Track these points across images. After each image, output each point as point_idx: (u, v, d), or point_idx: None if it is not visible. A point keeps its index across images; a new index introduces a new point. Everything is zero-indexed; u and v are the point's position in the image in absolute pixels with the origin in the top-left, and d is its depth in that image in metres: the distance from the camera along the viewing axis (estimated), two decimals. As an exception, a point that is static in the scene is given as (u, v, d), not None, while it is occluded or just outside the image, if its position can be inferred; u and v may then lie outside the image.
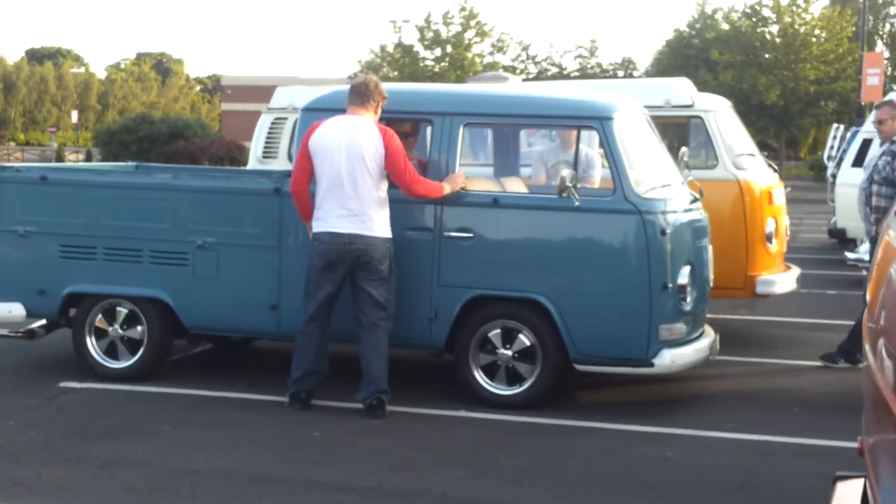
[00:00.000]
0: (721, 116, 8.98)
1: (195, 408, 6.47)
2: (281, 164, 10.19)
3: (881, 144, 8.02)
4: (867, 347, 3.04)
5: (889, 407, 2.39)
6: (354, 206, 6.21)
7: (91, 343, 7.06)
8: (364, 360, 6.33)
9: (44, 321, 7.35)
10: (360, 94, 6.37)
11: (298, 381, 6.41)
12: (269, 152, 10.71)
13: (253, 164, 10.74)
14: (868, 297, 3.24)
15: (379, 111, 6.44)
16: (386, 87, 6.61)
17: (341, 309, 6.47)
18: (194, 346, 7.98)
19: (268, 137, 10.77)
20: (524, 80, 19.09)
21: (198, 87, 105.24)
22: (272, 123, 10.81)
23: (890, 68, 45.67)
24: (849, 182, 15.09)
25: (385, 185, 6.34)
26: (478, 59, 48.45)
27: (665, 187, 6.55)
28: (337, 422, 6.18)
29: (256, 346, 8.21)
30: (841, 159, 16.79)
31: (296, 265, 6.69)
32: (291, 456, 5.54)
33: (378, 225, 6.27)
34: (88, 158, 41.22)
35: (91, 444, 5.67)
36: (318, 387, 6.48)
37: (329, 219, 6.28)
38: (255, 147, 10.83)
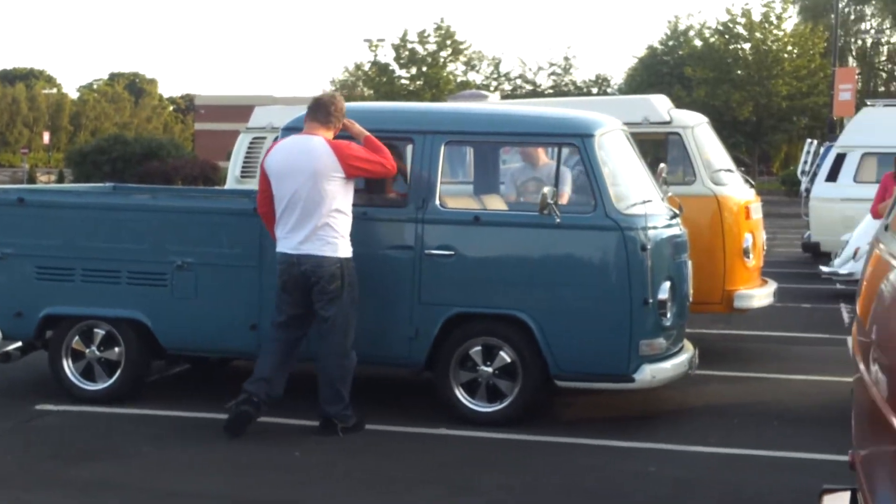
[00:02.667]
0: (698, 133, 9.04)
1: (174, 429, 6.42)
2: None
3: None
4: (859, 360, 3.06)
5: (885, 419, 2.40)
6: (306, 227, 6.14)
7: (68, 365, 6.98)
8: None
9: (20, 343, 7.26)
10: (324, 114, 6.30)
11: (251, 384, 6.27)
12: (247, 172, 10.68)
13: (231, 183, 10.71)
14: (858, 311, 3.27)
15: (337, 132, 6.36)
16: (367, 105, 6.63)
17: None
18: (172, 367, 7.92)
19: (246, 157, 10.75)
20: (502, 97, 19.15)
21: (171, 107, 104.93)
22: (250, 143, 10.79)
23: (861, 83, 46.11)
24: (822, 196, 15.26)
25: (346, 204, 6.25)
26: (452, 78, 48.58)
27: (645, 203, 6.57)
28: (317, 441, 6.14)
29: (234, 366, 8.15)
30: (815, 174, 16.94)
31: (276, 285, 6.67)
32: (273, 477, 5.50)
33: (328, 245, 6.16)
34: (61, 179, 40.96)
35: (70, 466, 5.61)
36: (268, 402, 6.29)
37: (282, 239, 6.26)
38: (234, 167, 10.81)
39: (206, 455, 5.87)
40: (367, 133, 6.36)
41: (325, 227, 6.16)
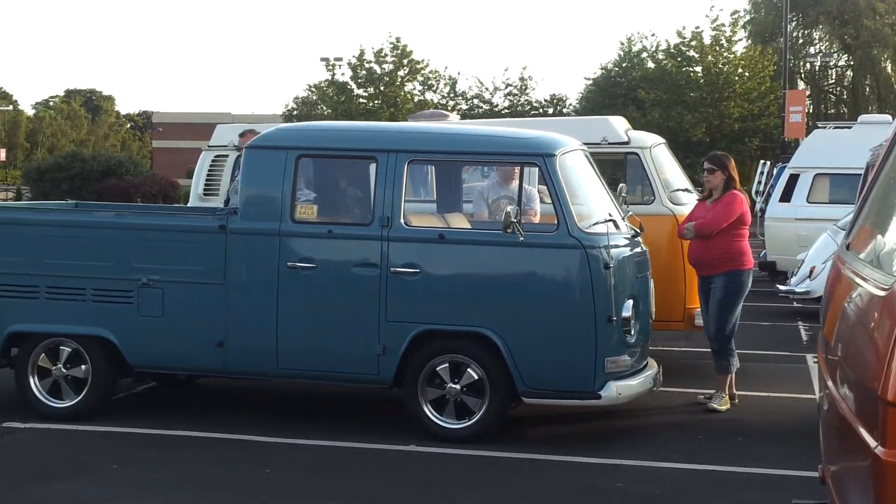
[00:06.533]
0: (656, 153, 9.18)
1: (142, 446, 6.40)
2: (221, 201, 10.16)
3: None
4: (827, 377, 3.14)
5: (856, 433, 2.48)
6: None
7: (34, 382, 6.95)
8: None
9: (-16, 361, 7.20)
10: None
11: None
12: (209, 190, 10.67)
13: (194, 201, 10.69)
14: (824, 329, 3.35)
15: None
16: (332, 124, 6.70)
17: (304, 347, 6.54)
18: (139, 384, 7.89)
19: (208, 174, 10.74)
20: (461, 117, 19.28)
21: (128, 125, 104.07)
22: (213, 161, 10.79)
23: (812, 106, 46.87)
24: (777, 216, 15.50)
25: None
26: (410, 97, 48.66)
27: (607, 222, 6.68)
28: (287, 459, 6.16)
29: (201, 384, 8.15)
30: (769, 195, 17.21)
31: (242, 302, 6.70)
32: (241, 495, 5.51)
33: None
34: (18, 197, 40.51)
35: (37, 484, 5.59)
36: None
37: None
38: (196, 184, 10.79)
39: (175, 473, 5.86)
40: None
41: None
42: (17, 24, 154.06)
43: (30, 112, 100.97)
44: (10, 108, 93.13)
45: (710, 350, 7.77)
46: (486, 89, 51.52)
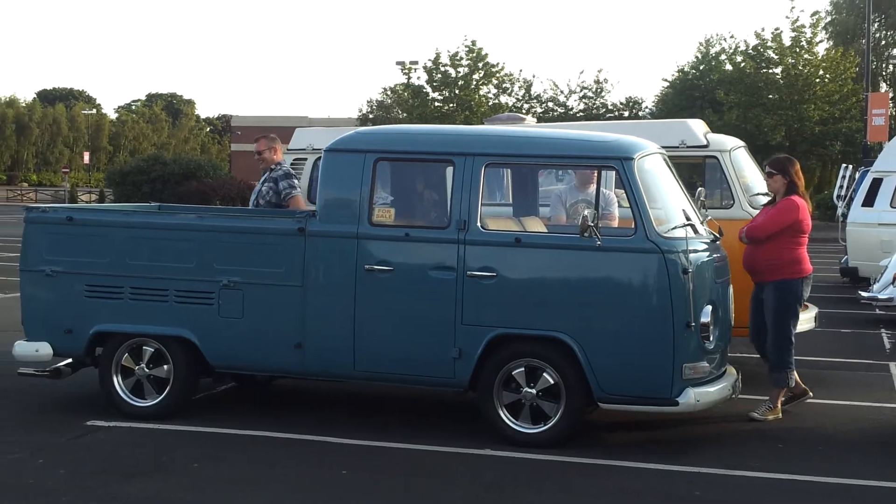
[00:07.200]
0: (736, 156, 9.07)
1: (222, 446, 6.50)
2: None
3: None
4: None
5: None
6: None
7: (118, 382, 7.11)
8: None
9: (69, 360, 7.39)
10: None
11: None
12: (288, 192, 10.76)
13: (273, 204, 10.78)
14: None
15: None
16: (409, 128, 6.73)
17: (381, 349, 6.60)
18: (219, 385, 8.02)
19: (287, 178, 10.83)
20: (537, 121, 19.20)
21: (208, 128, 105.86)
22: (291, 164, 10.88)
23: (894, 108, 45.80)
24: (859, 221, 15.20)
25: None
26: (484, 100, 48.71)
27: (686, 226, 6.61)
28: (364, 460, 6.21)
29: (279, 385, 8.25)
30: (850, 199, 16.88)
31: (320, 304, 6.76)
32: (319, 494, 5.57)
33: None
34: (101, 199, 41.46)
35: (120, 482, 5.70)
36: None
37: None
38: (275, 187, 10.89)
39: (253, 473, 5.94)
40: None
41: None
42: (100, 30, 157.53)
43: (113, 116, 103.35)
44: (94, 111, 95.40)
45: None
46: (561, 92, 51.35)
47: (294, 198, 8.63)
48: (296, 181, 8.85)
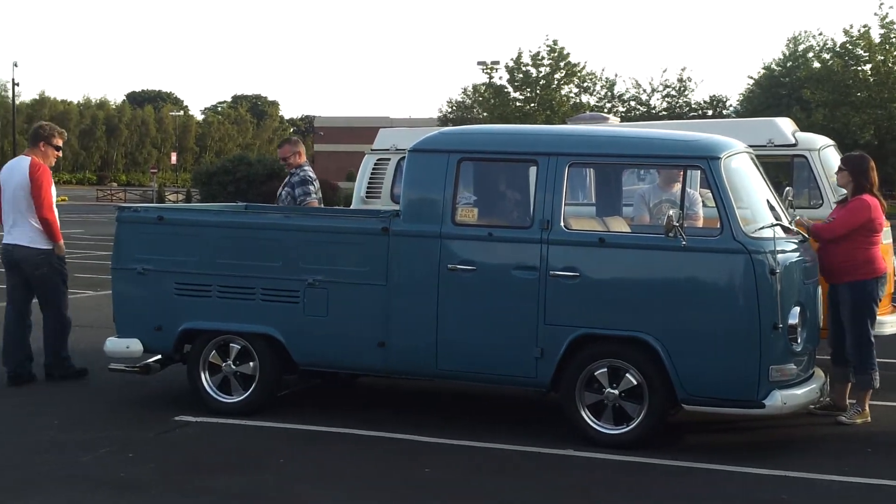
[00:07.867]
0: (825, 155, 8.91)
1: (306, 442, 6.59)
2: (384, 203, 10.36)
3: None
4: None
5: None
6: (16, 224, 8.20)
7: (205, 378, 7.25)
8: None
9: (159, 356, 7.56)
10: (31, 138, 8.44)
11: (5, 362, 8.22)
12: (372, 192, 10.89)
13: (357, 203, 10.93)
14: None
15: (47, 148, 8.34)
16: (492, 128, 6.73)
17: (463, 348, 6.63)
18: (303, 382, 8.13)
19: (371, 177, 10.96)
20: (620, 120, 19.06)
21: (292, 129, 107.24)
22: (375, 164, 11.00)
23: None
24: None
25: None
26: (566, 100, 48.50)
27: (773, 227, 6.51)
28: (446, 459, 6.24)
29: (363, 382, 8.33)
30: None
31: (403, 303, 6.81)
32: (403, 492, 5.61)
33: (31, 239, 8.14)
34: (188, 199, 42.28)
35: (208, 476, 5.82)
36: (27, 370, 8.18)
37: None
38: (359, 187, 11.03)
39: (338, 469, 6.01)
40: None
41: (28, 225, 8.17)
42: (188, 34, 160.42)
43: (199, 117, 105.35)
44: (181, 113, 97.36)
45: (880, 360, 7.44)
46: (644, 91, 50.85)
47: (309, 204, 8.69)
48: (311, 187, 8.84)
